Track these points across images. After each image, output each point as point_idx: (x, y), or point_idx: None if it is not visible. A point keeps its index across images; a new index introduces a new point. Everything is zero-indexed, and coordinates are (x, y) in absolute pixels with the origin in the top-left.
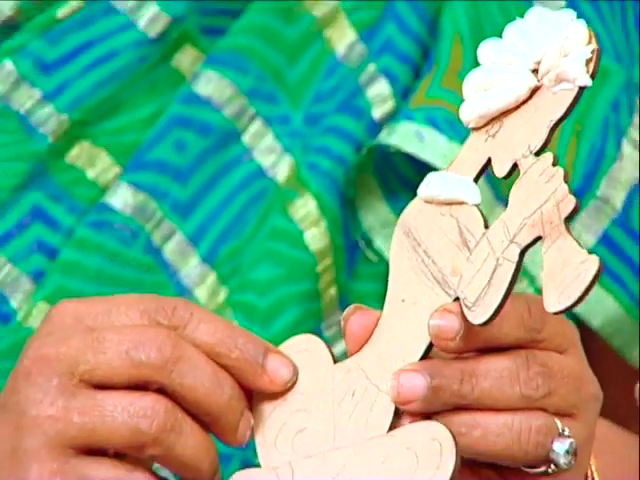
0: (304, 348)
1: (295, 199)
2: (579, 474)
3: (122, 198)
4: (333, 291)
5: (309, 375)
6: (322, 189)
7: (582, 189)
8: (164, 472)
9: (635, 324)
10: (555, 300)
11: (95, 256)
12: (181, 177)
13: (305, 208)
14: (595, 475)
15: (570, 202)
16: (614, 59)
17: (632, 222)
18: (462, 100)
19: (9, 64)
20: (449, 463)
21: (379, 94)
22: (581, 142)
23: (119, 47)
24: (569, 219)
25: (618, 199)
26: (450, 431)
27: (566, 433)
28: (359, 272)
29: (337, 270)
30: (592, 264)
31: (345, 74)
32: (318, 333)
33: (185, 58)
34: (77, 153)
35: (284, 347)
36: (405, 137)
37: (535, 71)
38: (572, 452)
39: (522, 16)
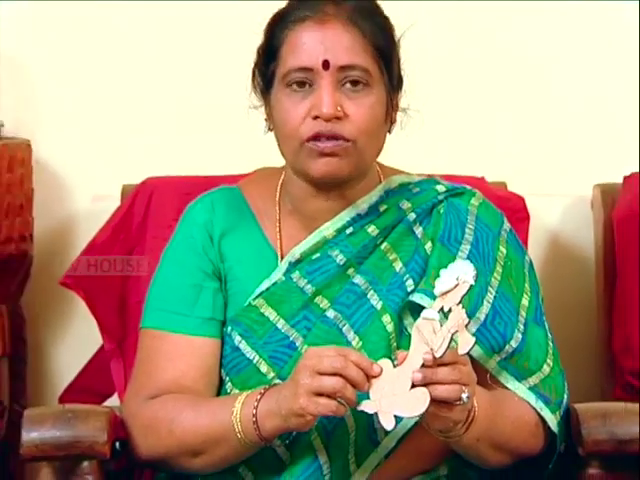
0: (383, 362)
1: (383, 316)
2: (470, 405)
3: (331, 313)
4: (395, 345)
5: (385, 370)
6: (392, 312)
7: (472, 313)
8: (343, 402)
9: (486, 357)
10: (462, 349)
11: (321, 331)
12: (348, 315)
13: (387, 319)
14: (475, 405)
15: (466, 320)
16: (483, 274)
17: (488, 327)
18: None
19: (297, 274)
20: (427, 401)
21: (410, 285)
22: (470, 300)
23: (328, 262)
24: (466, 325)
25: (482, 317)
26: (429, 391)
27: (466, 391)
28: (403, 337)
29: (397, 338)
30: (471, 340)
31: (398, 277)
32: (392, 358)
33: (349, 277)
34: (317, 299)
35: (379, 362)
36: (416, 297)
37: (457, 278)
38: (468, 397)
39: (454, 260)
